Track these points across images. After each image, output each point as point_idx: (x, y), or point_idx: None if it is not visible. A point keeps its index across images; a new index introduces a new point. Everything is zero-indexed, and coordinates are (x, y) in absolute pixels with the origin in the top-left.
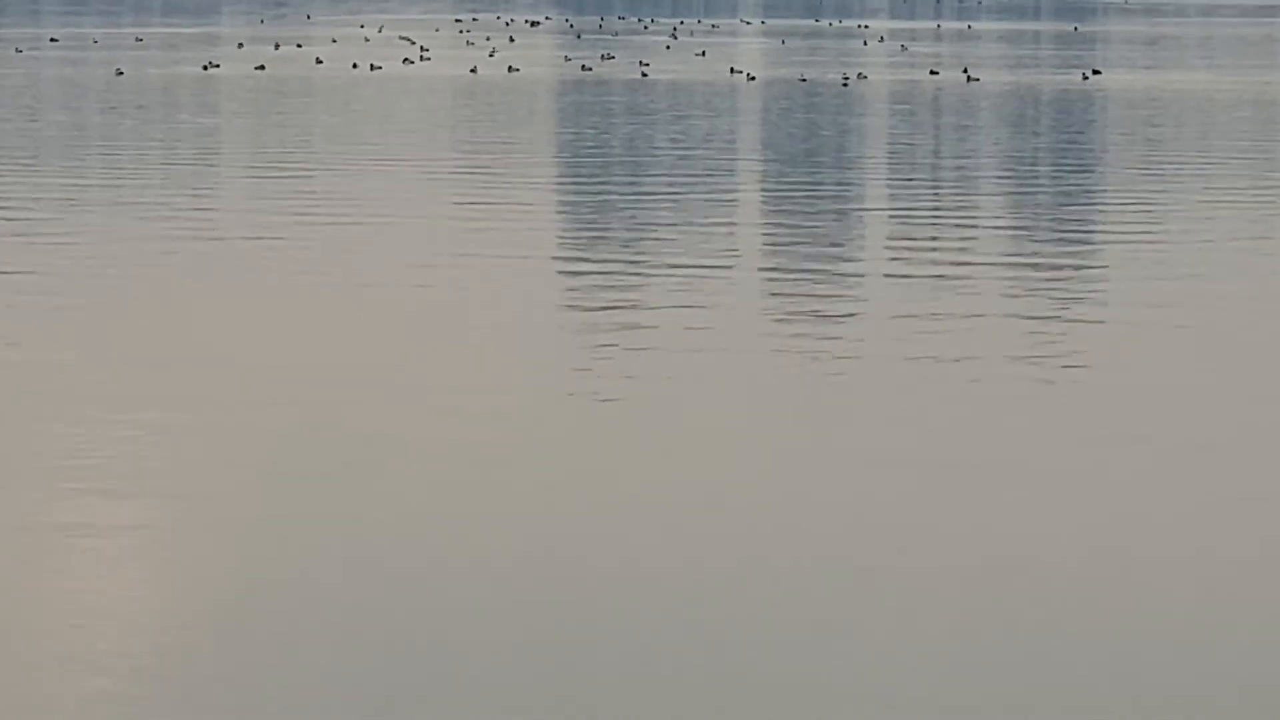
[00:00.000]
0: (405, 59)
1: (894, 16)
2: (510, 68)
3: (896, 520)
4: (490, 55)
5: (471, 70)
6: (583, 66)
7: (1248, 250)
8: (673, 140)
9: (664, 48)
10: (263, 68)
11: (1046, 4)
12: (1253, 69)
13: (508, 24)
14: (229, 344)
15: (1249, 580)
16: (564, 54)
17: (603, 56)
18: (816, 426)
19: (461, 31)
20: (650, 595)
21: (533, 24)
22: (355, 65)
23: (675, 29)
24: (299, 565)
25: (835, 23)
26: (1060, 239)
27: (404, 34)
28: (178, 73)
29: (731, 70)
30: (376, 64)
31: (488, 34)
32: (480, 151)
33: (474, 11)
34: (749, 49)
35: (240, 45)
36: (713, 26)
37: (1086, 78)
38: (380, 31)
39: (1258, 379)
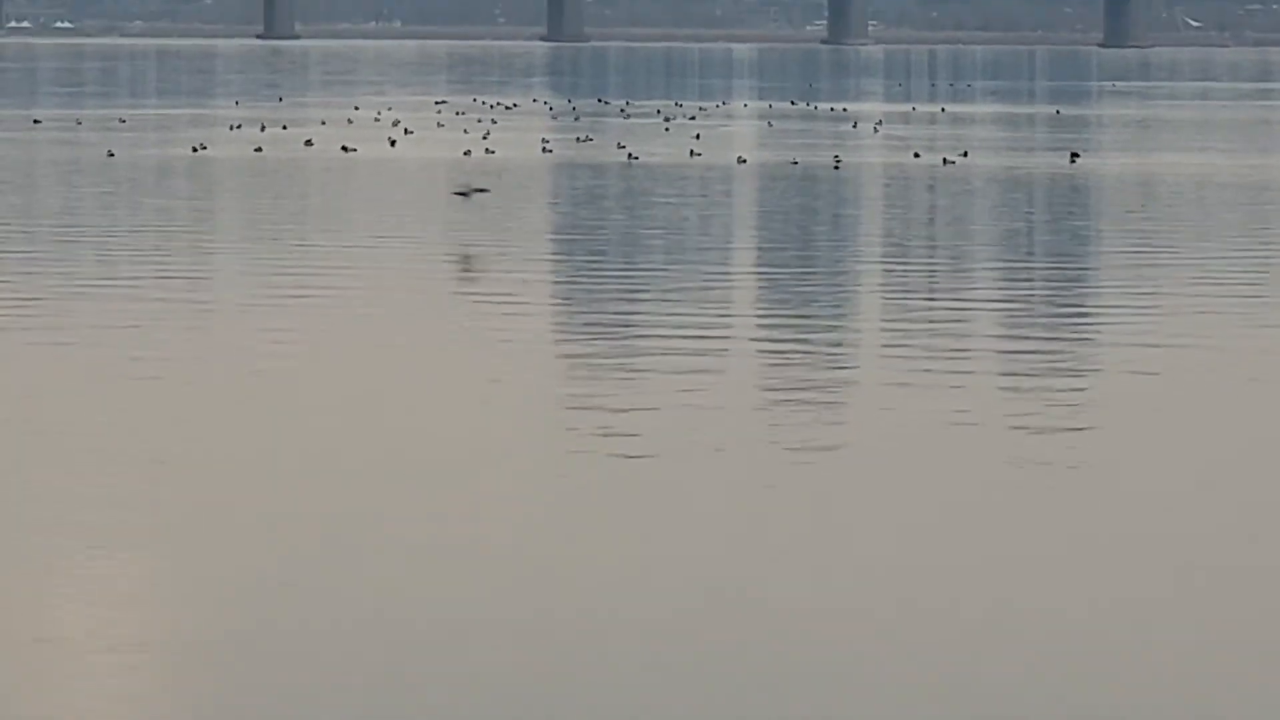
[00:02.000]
0: (392, 140)
1: (889, 100)
2: (487, 150)
3: (887, 611)
4: (484, 137)
5: (465, 153)
6: (576, 139)
7: (1242, 335)
8: (663, 223)
9: (653, 129)
10: (260, 149)
11: (1041, 88)
12: (1246, 152)
13: (492, 107)
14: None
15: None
16: (552, 136)
17: (579, 139)
18: (809, 512)
19: (458, 113)
20: (645, 683)
21: (509, 107)
22: (346, 149)
23: (660, 110)
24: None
25: (831, 107)
26: (1049, 322)
27: (395, 116)
28: (169, 154)
29: (723, 153)
30: (361, 145)
31: (478, 116)
32: (473, 235)
33: (468, 93)
34: (740, 132)
35: (232, 128)
36: (699, 109)
37: (1074, 160)
38: (377, 117)
39: (1251, 466)
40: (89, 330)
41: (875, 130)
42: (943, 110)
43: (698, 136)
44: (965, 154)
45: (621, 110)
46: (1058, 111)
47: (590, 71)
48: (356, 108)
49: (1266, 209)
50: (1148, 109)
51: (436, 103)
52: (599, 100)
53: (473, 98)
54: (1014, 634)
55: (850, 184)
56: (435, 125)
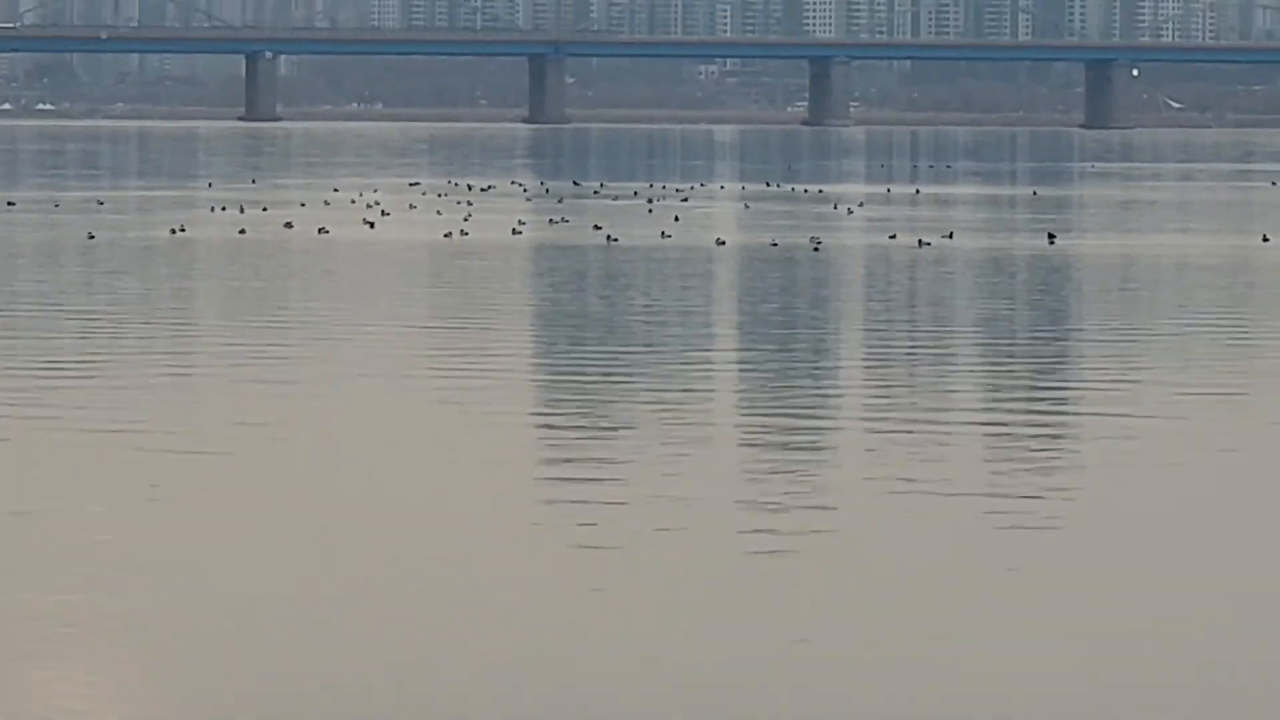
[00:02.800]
0: (370, 223)
1: (870, 181)
2: (461, 231)
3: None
4: (465, 219)
5: (446, 235)
6: (549, 220)
7: (1222, 420)
8: (640, 305)
9: (631, 210)
10: (243, 231)
11: (1022, 169)
12: (1227, 233)
13: (470, 189)
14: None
15: None
16: (529, 217)
17: (552, 220)
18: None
19: (440, 195)
20: None
21: (485, 189)
22: (322, 230)
23: (637, 191)
24: None
25: (811, 189)
26: (1027, 400)
27: (374, 198)
28: (148, 236)
29: (702, 235)
30: (339, 228)
31: (456, 198)
32: (451, 319)
33: (448, 175)
34: (720, 213)
35: (214, 209)
36: (678, 190)
37: (1052, 241)
38: (354, 200)
39: (1227, 537)
40: (65, 413)
41: (849, 213)
42: (916, 192)
43: (676, 218)
44: (950, 235)
45: (595, 192)
46: (1034, 193)
47: (571, 153)
48: (336, 189)
49: (1246, 289)
50: (1128, 190)
51: (410, 184)
52: (574, 183)
53: (449, 179)
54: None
55: (829, 265)
56: (409, 207)
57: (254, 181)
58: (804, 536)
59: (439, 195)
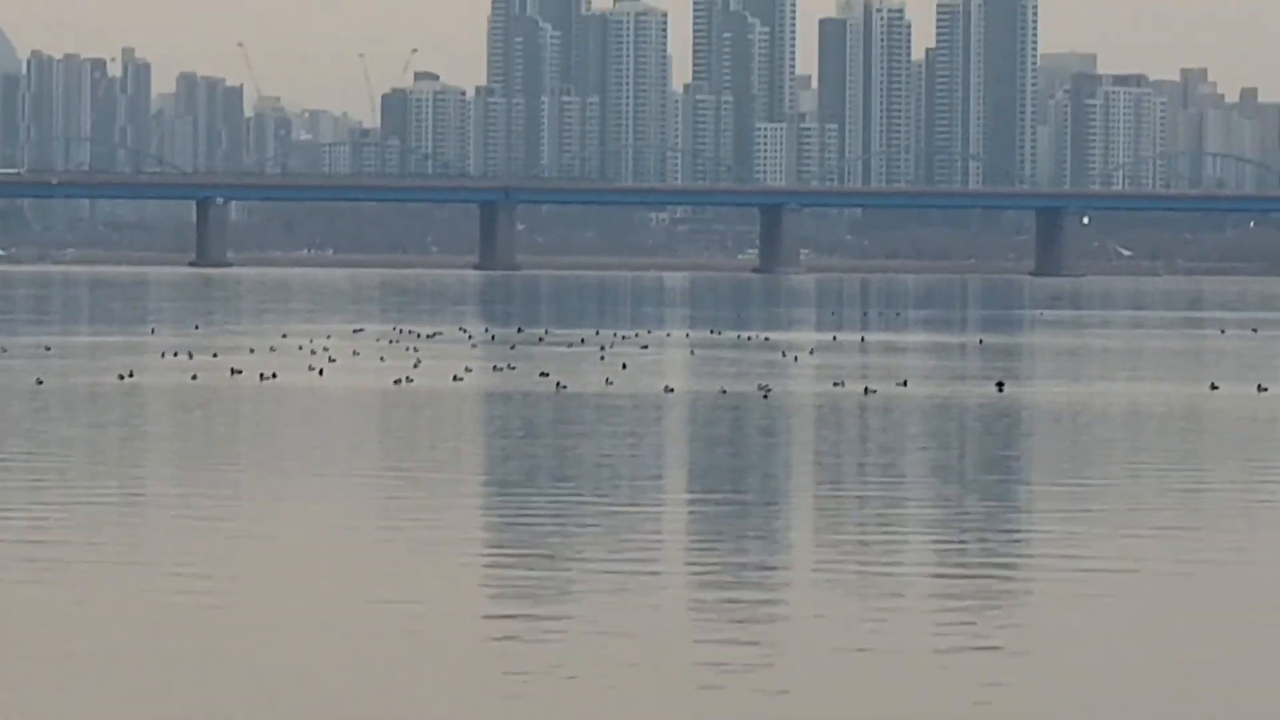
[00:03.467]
0: (318, 370)
1: (820, 328)
2: (407, 378)
3: None
4: (415, 366)
5: (396, 382)
6: (493, 368)
7: (1169, 560)
8: (589, 453)
9: (579, 357)
10: (195, 377)
11: (973, 316)
12: (1177, 381)
13: (419, 336)
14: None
15: None
16: (477, 365)
17: (496, 367)
18: None
19: (391, 342)
20: None
21: (431, 335)
22: (263, 375)
23: (584, 339)
24: None
25: (762, 336)
26: (977, 547)
27: (320, 345)
28: (98, 382)
29: (650, 382)
30: (286, 374)
31: (406, 345)
32: (397, 467)
33: (398, 321)
34: (669, 360)
35: (163, 355)
36: (623, 337)
37: (1000, 389)
38: (301, 346)
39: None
40: (9, 562)
41: (794, 360)
42: (862, 340)
43: (624, 365)
44: (905, 383)
45: (540, 339)
46: (980, 341)
47: (521, 300)
48: (284, 335)
49: (1195, 437)
50: (1079, 337)
51: (355, 330)
52: (518, 329)
53: (393, 326)
54: None
55: (778, 413)
56: (352, 354)
57: (197, 327)
58: (754, 696)
59: (389, 342)
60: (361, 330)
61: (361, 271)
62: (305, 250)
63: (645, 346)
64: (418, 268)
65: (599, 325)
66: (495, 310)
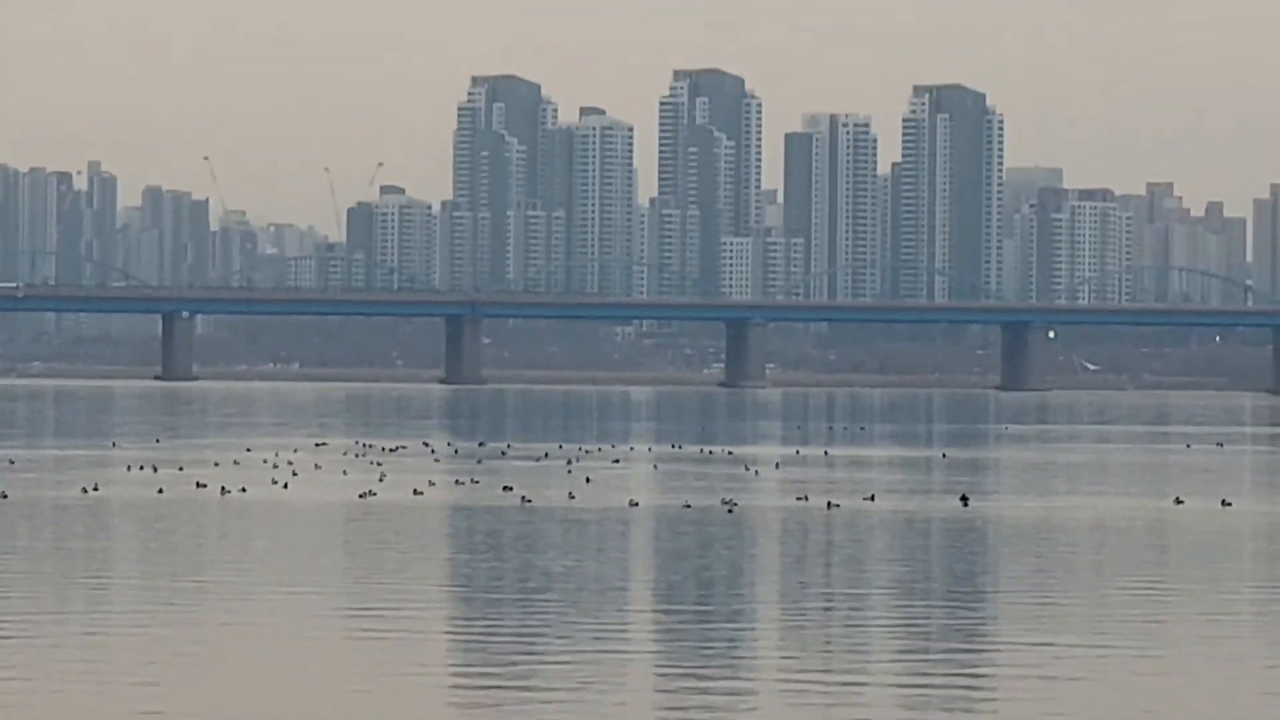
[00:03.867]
0: (283, 484)
1: (785, 443)
2: (371, 492)
3: None
4: (380, 479)
5: (361, 495)
6: (455, 481)
7: (1136, 673)
8: (550, 567)
9: (543, 471)
10: (161, 491)
11: (938, 430)
12: (1142, 495)
13: (384, 450)
14: None
15: None
16: (440, 479)
17: (458, 481)
18: None
19: (357, 456)
20: None
21: (394, 450)
22: (225, 489)
23: (548, 453)
24: None
25: (727, 451)
26: (943, 659)
27: (284, 458)
28: (62, 496)
29: (615, 496)
30: (253, 488)
31: (371, 459)
32: (364, 580)
33: (364, 435)
34: (634, 474)
35: (129, 468)
36: (586, 451)
37: (965, 503)
38: (271, 459)
39: None
40: None
41: (755, 474)
42: (825, 454)
43: (588, 479)
44: (872, 498)
45: (503, 453)
46: (944, 455)
47: (486, 414)
48: (249, 449)
49: (1160, 552)
50: (1044, 452)
51: (317, 444)
52: (479, 444)
53: (355, 440)
54: None
55: (742, 527)
56: (314, 467)
57: (158, 441)
58: None
59: (355, 455)
60: (325, 444)
61: (327, 385)
62: (271, 364)
63: (618, 460)
64: (383, 381)
65: (564, 439)
66: (460, 424)
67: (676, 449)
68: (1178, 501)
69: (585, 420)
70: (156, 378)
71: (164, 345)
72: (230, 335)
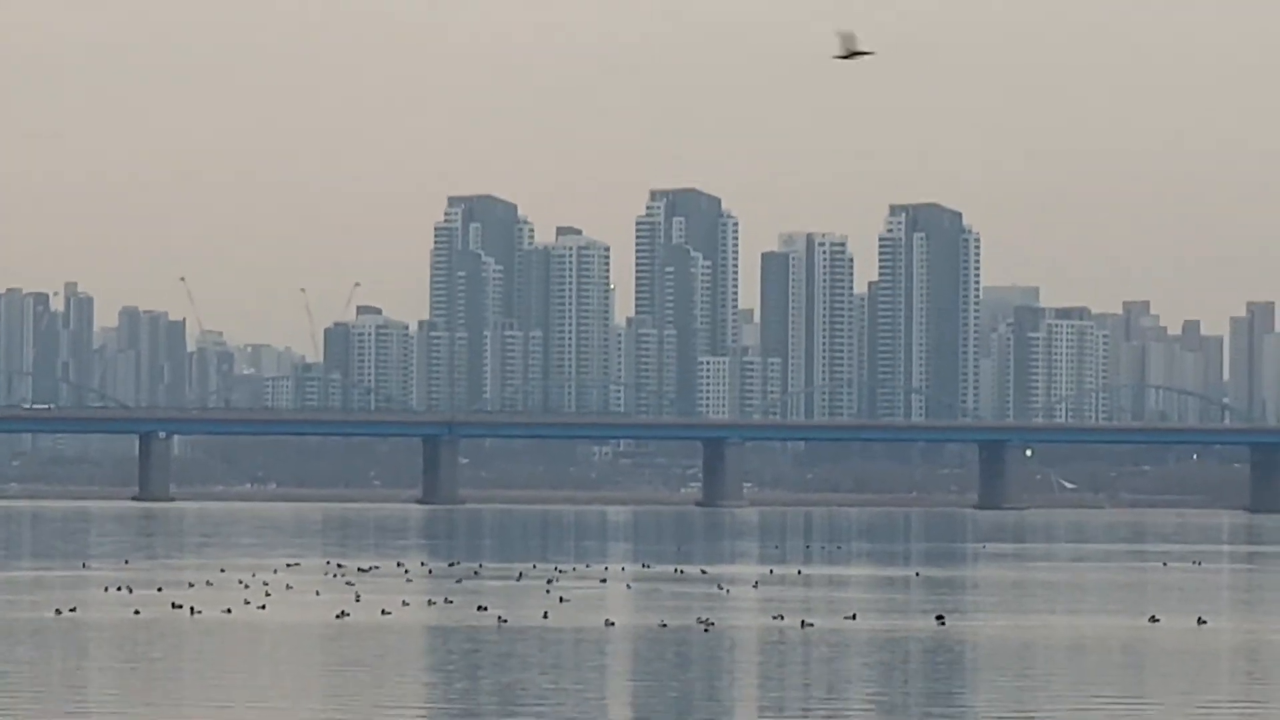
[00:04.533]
0: (260, 605)
1: (762, 562)
2: (343, 613)
3: None
4: (356, 599)
5: (337, 615)
6: (428, 601)
7: None
8: (525, 687)
9: (519, 591)
10: (138, 612)
11: (916, 549)
12: (1119, 614)
13: (356, 570)
14: None
15: None
16: (414, 599)
17: (430, 601)
18: None
19: (333, 575)
20: None
21: (366, 570)
22: (194, 610)
23: (522, 573)
24: None
25: (702, 570)
26: None
27: (257, 579)
28: (37, 618)
29: (591, 616)
30: (227, 608)
31: (348, 579)
32: (343, 701)
33: (329, 556)
34: (610, 594)
35: (107, 589)
36: (559, 571)
37: (940, 622)
38: (247, 579)
39: None
40: None
41: (726, 593)
42: (798, 573)
43: (561, 599)
44: (854, 616)
45: (475, 573)
46: (916, 574)
47: (463, 534)
48: (223, 570)
49: (1134, 670)
50: (1021, 571)
51: (288, 564)
52: (449, 564)
53: (328, 560)
54: None
55: (719, 646)
56: (286, 588)
57: (127, 562)
58: None
59: (330, 575)
60: (298, 564)
61: (304, 505)
62: (248, 484)
63: (604, 580)
64: (361, 501)
65: (541, 559)
66: (438, 544)
67: (646, 568)
68: (1153, 620)
69: (562, 540)
70: (133, 498)
71: (141, 466)
72: (207, 455)
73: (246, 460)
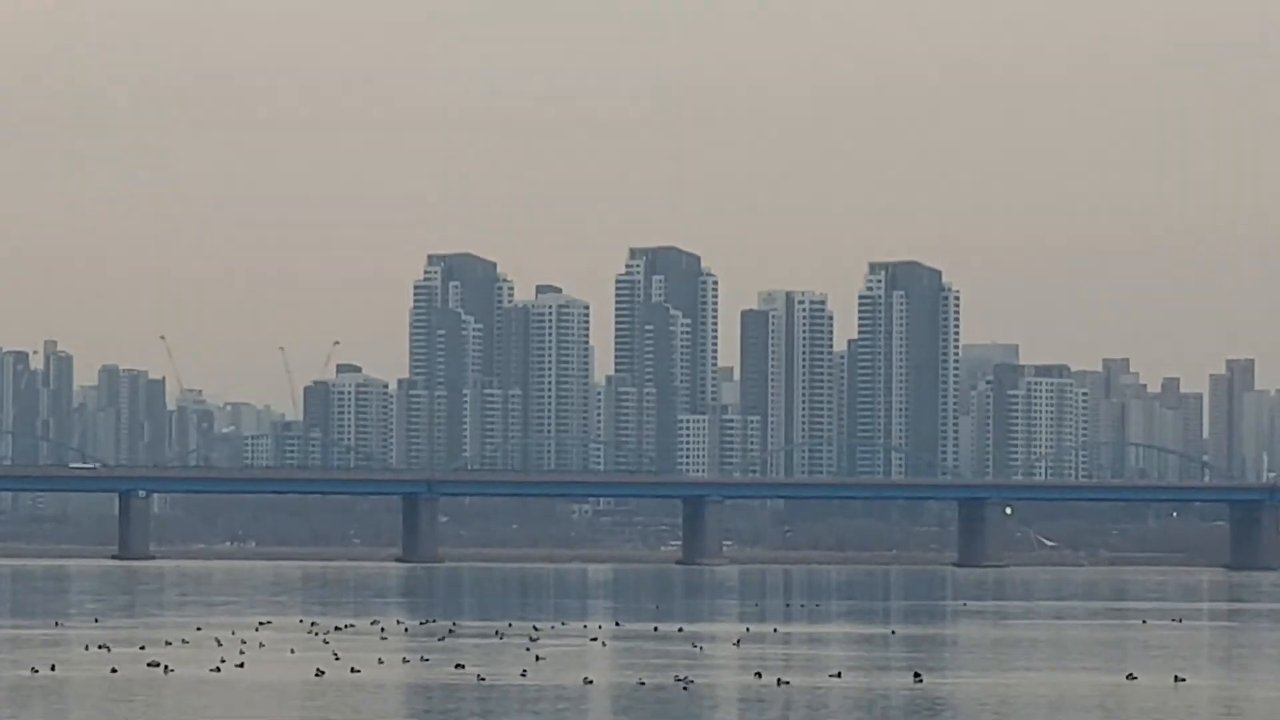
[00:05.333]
0: (237, 664)
1: (742, 620)
2: (319, 671)
3: None
4: (336, 658)
5: (317, 674)
6: (403, 659)
7: None
8: None
9: (499, 649)
10: (115, 670)
11: (895, 607)
12: (1099, 671)
13: (334, 629)
14: None
15: None
16: (388, 655)
17: (404, 659)
18: None
19: (316, 634)
20: None
21: (341, 628)
22: (167, 668)
23: (499, 631)
24: None
25: (680, 628)
26: None
27: (237, 637)
28: (15, 675)
29: (571, 674)
30: (203, 667)
31: (323, 638)
32: None
33: (313, 616)
34: (590, 652)
35: (87, 648)
36: (535, 629)
37: (918, 679)
38: (226, 638)
39: None
40: None
41: (714, 652)
42: (774, 630)
43: (538, 657)
44: (840, 674)
45: (450, 631)
46: (892, 631)
47: (442, 592)
48: (199, 628)
49: None
50: (1001, 628)
51: (260, 622)
52: (420, 622)
53: (300, 619)
54: None
55: (697, 704)
56: (259, 645)
57: (96, 620)
58: None
59: (310, 634)
60: (270, 623)
61: (284, 564)
62: (228, 542)
63: (596, 639)
64: (340, 560)
65: (520, 617)
66: (417, 603)
67: (619, 625)
68: (1130, 678)
69: (542, 598)
70: (113, 557)
71: (121, 524)
72: (187, 514)
73: (226, 519)
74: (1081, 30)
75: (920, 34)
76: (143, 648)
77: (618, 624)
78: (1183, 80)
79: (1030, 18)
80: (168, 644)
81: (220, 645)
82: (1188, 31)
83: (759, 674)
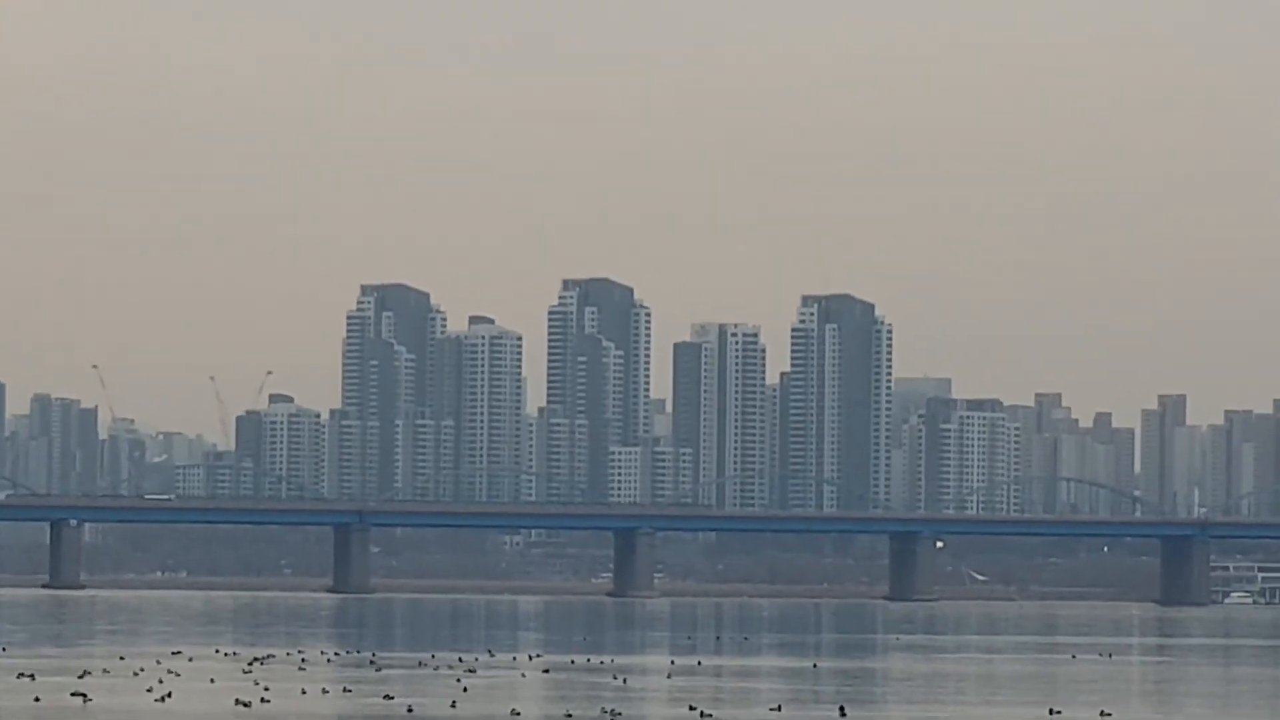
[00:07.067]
0: (160, 697)
1: (673, 652)
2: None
3: None
4: (266, 691)
5: (246, 705)
6: (322, 690)
7: None
8: None
9: (423, 680)
10: (38, 699)
11: (825, 641)
12: (1028, 705)
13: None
14: None
15: None
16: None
17: (324, 690)
18: None
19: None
20: None
21: (262, 659)
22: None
23: (422, 662)
24: None
25: (608, 661)
26: None
27: (157, 667)
28: None
29: (499, 706)
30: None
31: (242, 668)
32: None
33: (243, 647)
34: (518, 684)
35: (19, 676)
36: (461, 660)
37: (843, 714)
38: (147, 668)
39: None
40: None
41: (639, 685)
42: (698, 663)
43: (465, 689)
44: (779, 708)
45: (370, 661)
46: (814, 665)
47: (374, 622)
48: (122, 658)
49: None
50: (931, 662)
51: (173, 653)
52: (338, 653)
53: (215, 648)
54: None
55: None
56: (173, 674)
57: (4, 649)
58: None
59: (255, 662)
60: (180, 653)
61: (215, 594)
62: (159, 572)
63: (525, 674)
64: (272, 590)
65: (450, 648)
66: (347, 633)
67: (581, 658)
68: (1053, 712)
69: (473, 629)
70: (44, 586)
71: (52, 553)
72: (119, 543)
73: (157, 548)
74: (1012, 62)
75: (852, 67)
76: (81, 675)
77: (532, 657)
78: (1116, 114)
79: (960, 55)
80: (84, 675)
81: (138, 675)
82: (1116, 59)
83: (692, 707)
